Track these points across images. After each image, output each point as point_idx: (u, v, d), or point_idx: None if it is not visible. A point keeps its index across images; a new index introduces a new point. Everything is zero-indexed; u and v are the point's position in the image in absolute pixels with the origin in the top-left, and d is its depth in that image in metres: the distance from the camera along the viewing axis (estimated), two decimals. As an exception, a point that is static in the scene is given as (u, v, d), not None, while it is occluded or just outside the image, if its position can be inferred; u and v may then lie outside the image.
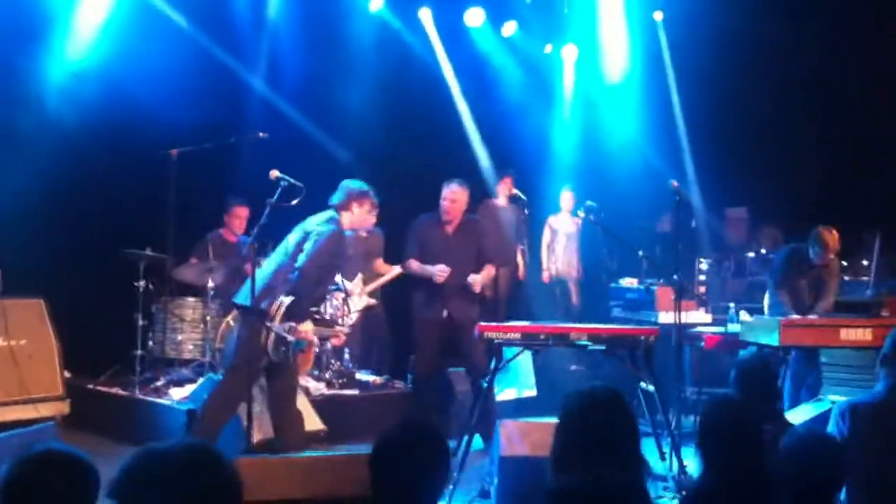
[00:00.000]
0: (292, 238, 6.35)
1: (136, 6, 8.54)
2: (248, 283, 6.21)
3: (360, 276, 8.43)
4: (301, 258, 6.12)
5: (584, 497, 2.52)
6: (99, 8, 8.41)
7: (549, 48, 11.42)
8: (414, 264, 7.59)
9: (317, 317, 6.42)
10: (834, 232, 7.67)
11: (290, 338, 6.04)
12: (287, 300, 6.04)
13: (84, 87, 8.21)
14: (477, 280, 7.46)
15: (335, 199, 6.36)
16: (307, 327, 6.19)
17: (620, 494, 2.56)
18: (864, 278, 8.99)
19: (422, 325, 7.52)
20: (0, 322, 6.80)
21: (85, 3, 8.35)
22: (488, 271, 7.64)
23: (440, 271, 7.34)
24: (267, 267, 6.36)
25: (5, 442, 5.03)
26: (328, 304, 8.23)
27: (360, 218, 6.49)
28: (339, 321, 8.24)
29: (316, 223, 6.25)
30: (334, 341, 7.51)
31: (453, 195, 7.45)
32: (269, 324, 5.97)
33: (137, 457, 2.36)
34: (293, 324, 6.06)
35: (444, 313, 7.37)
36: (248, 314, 6.21)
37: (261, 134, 7.89)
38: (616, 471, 2.85)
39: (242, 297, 6.30)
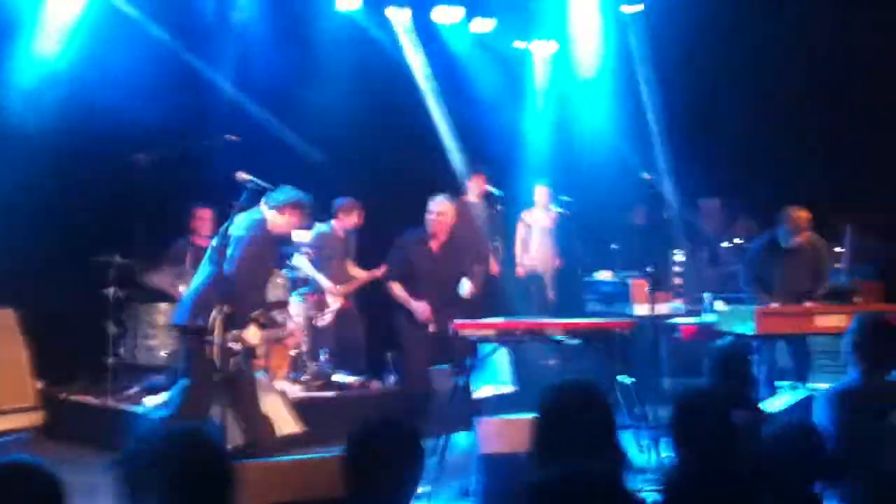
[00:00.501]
0: (214, 242, 6.12)
1: (103, 9, 8.46)
2: (183, 300, 6.10)
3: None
4: (227, 263, 5.87)
5: (564, 491, 2.50)
6: (66, 11, 8.32)
7: (521, 44, 11.40)
8: (396, 288, 7.55)
9: (262, 321, 6.15)
10: (801, 211, 7.66)
11: (237, 346, 5.90)
12: (224, 309, 5.80)
13: (50, 91, 8.12)
14: (468, 287, 7.46)
15: (272, 199, 6.13)
16: (252, 333, 5.97)
17: (599, 486, 2.55)
18: (838, 265, 9.02)
19: (409, 339, 7.50)
20: (-31, 333, 6.67)
21: (52, 6, 8.25)
22: (476, 276, 7.64)
23: (422, 312, 7.33)
24: (195, 280, 6.20)
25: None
26: (304, 304, 8.21)
27: (284, 226, 6.26)
28: (315, 321, 8.21)
29: (241, 226, 6.02)
30: (289, 342, 7.40)
31: (440, 208, 7.41)
32: (208, 338, 5.77)
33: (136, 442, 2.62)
34: (236, 331, 5.88)
35: (431, 328, 7.35)
36: (187, 334, 6.07)
37: (231, 137, 7.81)
38: (594, 463, 2.85)
39: (178, 316, 6.17)
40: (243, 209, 6.06)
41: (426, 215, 7.46)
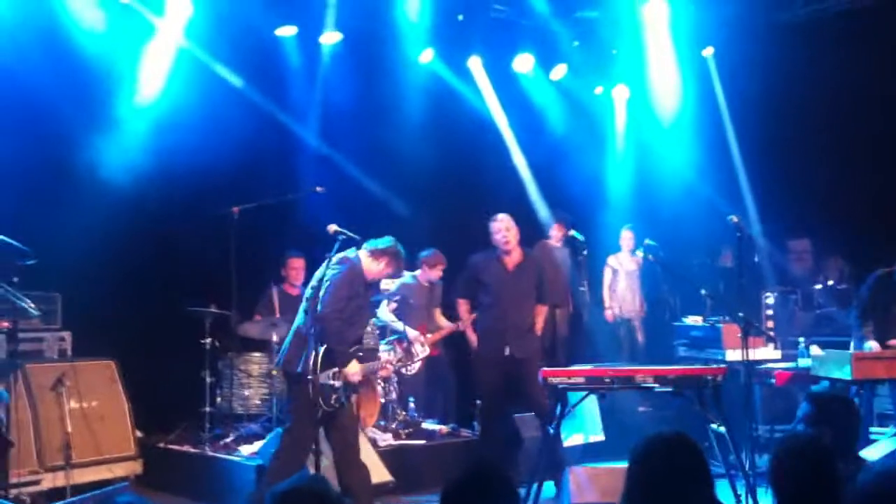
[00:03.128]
0: (308, 290, 6.32)
1: (193, 69, 8.73)
2: (283, 346, 6.28)
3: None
4: (320, 304, 6.06)
5: None
6: (157, 71, 8.61)
7: (599, 90, 11.44)
8: (462, 306, 7.85)
9: (360, 354, 6.36)
10: None
11: (337, 383, 6.05)
12: (321, 350, 5.99)
13: (144, 146, 8.39)
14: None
15: (372, 244, 6.33)
16: (353, 367, 6.16)
17: None
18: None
19: (483, 361, 7.53)
20: (73, 384, 6.89)
21: (143, 67, 8.55)
22: (542, 313, 7.64)
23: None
24: (294, 325, 6.37)
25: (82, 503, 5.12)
26: (391, 353, 8.28)
27: (378, 271, 6.38)
28: (404, 369, 8.28)
29: (328, 267, 6.19)
30: (382, 373, 7.43)
31: (504, 224, 7.46)
32: (310, 377, 5.94)
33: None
34: (336, 370, 6.07)
35: (506, 351, 7.36)
36: (289, 377, 6.26)
37: (318, 188, 8.02)
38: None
39: (279, 360, 6.38)
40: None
41: (494, 236, 7.48)
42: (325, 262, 6.19)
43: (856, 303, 7.91)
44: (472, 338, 8.04)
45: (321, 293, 6.09)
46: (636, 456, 3.28)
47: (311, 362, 5.96)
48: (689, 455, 3.24)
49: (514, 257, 7.52)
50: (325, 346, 6.02)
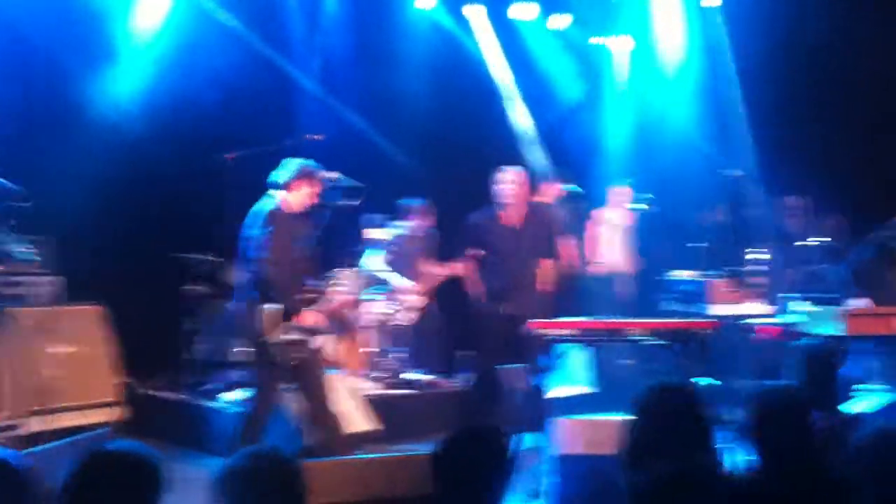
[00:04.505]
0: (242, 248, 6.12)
1: (190, 11, 8.63)
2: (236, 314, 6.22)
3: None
4: (252, 264, 5.90)
5: (671, 490, 2.55)
6: (154, 14, 8.49)
7: (600, 40, 11.27)
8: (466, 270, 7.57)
9: (311, 297, 6.09)
10: None
11: (296, 336, 5.90)
12: (267, 308, 5.84)
13: (136, 90, 8.31)
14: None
15: (279, 177, 6.05)
16: (308, 316, 5.96)
17: (705, 481, 2.61)
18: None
19: (480, 320, 7.42)
20: (58, 328, 6.86)
21: (140, 10, 8.43)
22: (551, 269, 7.49)
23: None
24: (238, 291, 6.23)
25: (62, 448, 5.10)
26: (381, 302, 8.21)
27: (305, 197, 6.07)
28: (395, 318, 8.20)
29: (249, 225, 6.01)
30: (338, 304, 7.23)
31: (511, 176, 7.24)
32: (263, 339, 5.84)
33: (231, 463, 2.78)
34: (290, 322, 5.90)
35: (501, 308, 7.25)
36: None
37: (316, 136, 7.91)
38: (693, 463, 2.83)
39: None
40: (335, 209, 6.07)
41: (499, 188, 7.25)
42: (327, 210, 6.12)
43: (846, 266, 7.82)
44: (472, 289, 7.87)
45: (251, 255, 5.90)
46: (640, 406, 3.26)
47: (261, 324, 5.83)
48: (693, 405, 3.23)
49: (518, 214, 7.32)
50: (270, 304, 5.83)
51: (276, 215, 5.93)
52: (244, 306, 6.01)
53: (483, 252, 7.50)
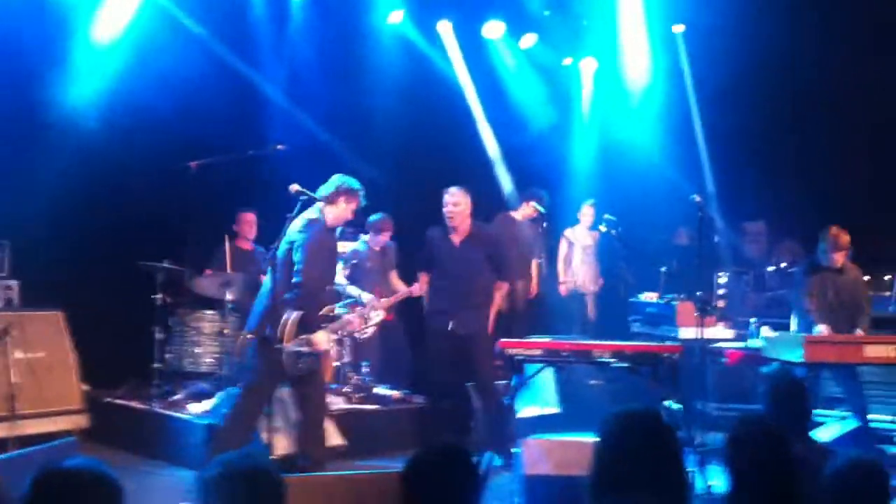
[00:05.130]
0: (277, 253, 6.21)
1: (155, 17, 8.52)
2: (254, 309, 6.22)
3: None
4: (297, 273, 6.03)
5: None
6: (118, 18, 8.38)
7: (568, 61, 11.39)
8: (421, 280, 7.69)
9: (326, 324, 6.30)
10: (842, 231, 7.59)
11: (305, 349, 6.03)
12: (295, 315, 6.00)
13: (101, 96, 8.20)
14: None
15: (324, 191, 6.24)
16: (321, 337, 6.12)
17: None
18: (887, 293, 8.90)
19: (431, 334, 7.47)
20: (19, 335, 6.75)
21: (103, 14, 8.31)
22: (502, 289, 7.56)
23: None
24: (262, 289, 6.32)
25: (27, 457, 4.99)
26: (347, 316, 8.20)
27: (344, 214, 6.31)
28: (357, 334, 8.21)
29: (297, 230, 6.14)
30: (350, 327, 7.36)
31: (453, 198, 7.32)
32: (278, 346, 5.93)
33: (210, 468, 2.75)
34: (306, 336, 6.04)
35: (449, 325, 7.29)
36: (258, 339, 6.19)
37: (279, 146, 7.88)
38: (661, 495, 2.82)
39: (249, 324, 6.33)
40: (291, 221, 6.12)
41: (444, 209, 7.35)
42: (287, 222, 6.11)
43: (793, 290, 8.00)
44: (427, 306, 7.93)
45: (296, 258, 6.05)
46: (606, 432, 3.23)
47: (282, 328, 5.96)
48: (662, 432, 3.21)
49: (460, 231, 7.39)
50: (301, 312, 6.00)
51: (318, 227, 6.14)
52: (266, 307, 6.11)
53: (429, 271, 7.62)
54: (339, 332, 6.79)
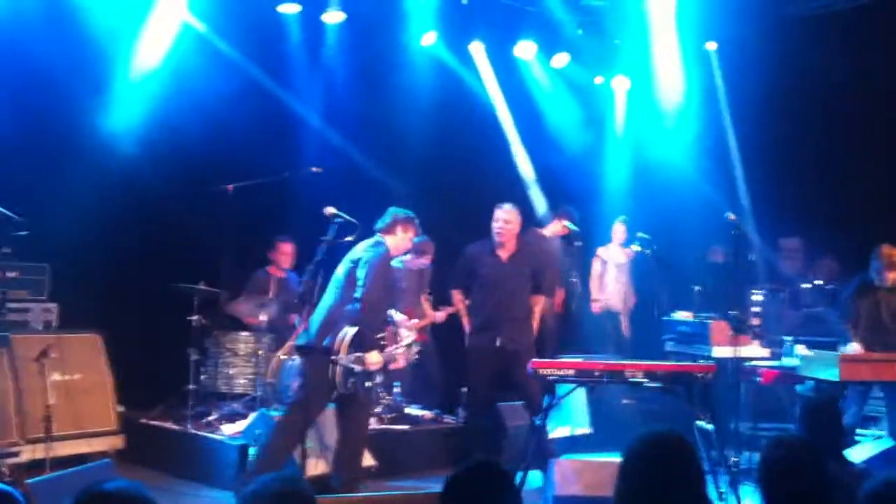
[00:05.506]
0: (341, 270, 6.39)
1: (192, 43, 8.65)
2: (311, 323, 6.29)
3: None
4: (359, 288, 6.18)
5: None
6: (157, 45, 8.52)
7: (600, 80, 11.39)
8: (456, 297, 7.79)
9: (383, 343, 6.51)
10: (894, 249, 7.48)
11: (358, 368, 6.08)
12: (351, 331, 6.13)
13: (141, 123, 8.32)
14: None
15: (381, 223, 6.49)
16: (374, 357, 6.23)
17: None
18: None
19: (474, 352, 7.48)
20: (57, 356, 6.81)
21: (144, 40, 8.46)
22: (539, 303, 7.59)
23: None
24: (322, 303, 6.40)
25: (64, 479, 5.07)
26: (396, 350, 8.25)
27: (403, 243, 6.58)
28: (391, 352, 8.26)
29: (363, 250, 6.32)
30: (393, 365, 7.46)
31: (506, 215, 7.41)
32: (334, 357, 6.04)
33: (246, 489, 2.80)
34: (360, 354, 6.13)
35: (497, 342, 7.31)
36: (312, 353, 6.24)
37: (314, 169, 7.96)
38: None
39: (303, 337, 6.36)
40: (331, 245, 6.19)
41: (493, 224, 7.44)
42: (321, 245, 6.19)
43: (841, 306, 7.90)
44: (467, 324, 7.94)
45: (360, 274, 6.20)
46: (630, 454, 3.25)
47: (340, 341, 6.09)
48: (684, 455, 3.22)
49: (508, 248, 7.45)
50: (357, 328, 6.13)
51: (385, 255, 6.36)
52: (323, 319, 6.25)
53: (466, 288, 7.71)
54: (390, 362, 6.86)
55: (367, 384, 6.28)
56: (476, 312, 7.61)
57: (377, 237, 6.44)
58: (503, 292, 7.38)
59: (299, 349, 6.63)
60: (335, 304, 6.29)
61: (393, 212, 6.56)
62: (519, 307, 7.42)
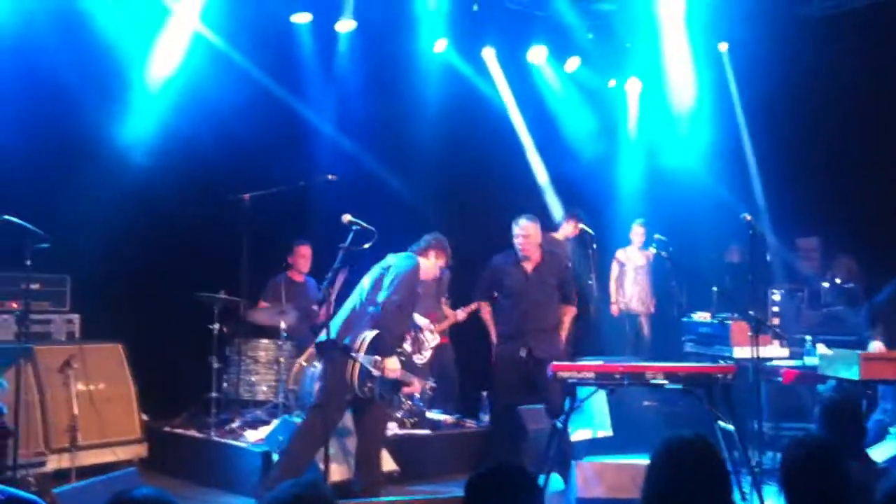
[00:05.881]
0: (367, 279, 6.48)
1: (207, 54, 8.72)
2: (333, 322, 6.33)
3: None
4: (382, 293, 6.26)
5: None
6: (171, 55, 8.59)
7: (612, 83, 11.41)
8: (485, 310, 7.87)
9: (403, 359, 6.50)
10: None
11: (376, 372, 6.13)
12: (370, 334, 6.19)
13: (157, 134, 8.39)
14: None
15: (416, 245, 6.65)
16: (394, 364, 6.27)
17: None
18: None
19: (501, 361, 7.53)
20: (80, 366, 6.89)
21: (158, 50, 8.53)
22: (569, 313, 7.64)
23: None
24: (346, 305, 6.49)
25: (90, 488, 5.12)
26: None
27: (433, 269, 6.74)
28: (415, 357, 8.29)
29: (396, 259, 6.45)
30: (407, 389, 7.56)
31: (524, 230, 7.46)
32: (354, 354, 6.10)
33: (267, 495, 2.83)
34: (378, 357, 6.16)
35: (523, 352, 7.35)
36: (331, 350, 6.27)
37: (330, 176, 7.99)
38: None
39: (324, 337, 6.40)
40: (348, 252, 6.22)
41: (514, 240, 7.50)
42: (339, 252, 6.22)
43: (868, 306, 7.86)
44: (494, 335, 7.93)
45: (387, 282, 6.31)
46: (656, 459, 3.27)
47: (360, 342, 6.18)
48: (710, 459, 3.24)
49: (532, 260, 7.51)
50: (375, 332, 6.20)
51: (416, 272, 6.49)
52: (347, 319, 6.37)
53: (494, 296, 7.75)
54: (405, 382, 6.91)
55: (384, 395, 6.32)
56: (503, 322, 7.66)
57: (412, 256, 6.58)
58: (529, 303, 7.44)
59: (319, 346, 6.68)
60: (358, 307, 6.38)
61: (430, 237, 6.73)
62: (545, 317, 7.48)
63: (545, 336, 7.42)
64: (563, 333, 7.67)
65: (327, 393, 6.27)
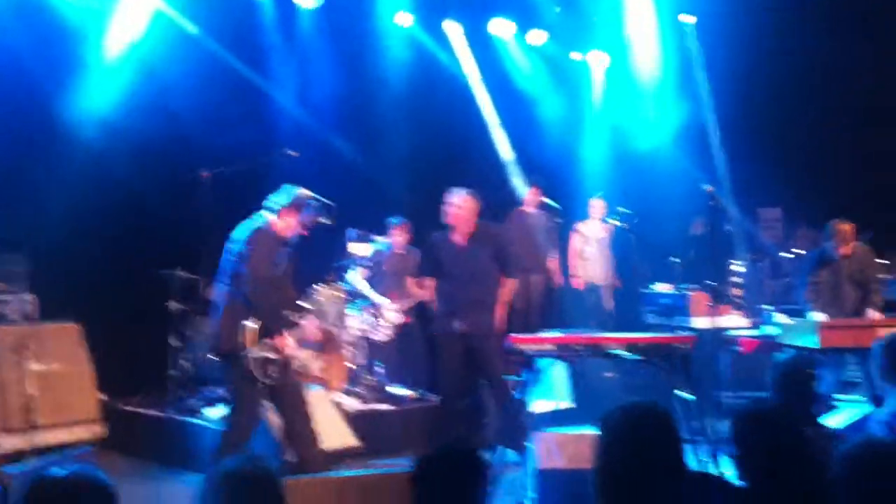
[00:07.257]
0: (222, 263, 6.17)
1: (165, 29, 8.60)
2: (212, 328, 6.17)
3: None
4: (241, 282, 5.94)
5: None
6: (129, 30, 8.47)
7: (577, 55, 11.37)
8: (427, 283, 7.52)
9: (291, 320, 6.18)
10: (845, 223, 7.64)
11: (273, 356, 5.93)
12: (251, 325, 5.90)
13: (114, 107, 8.28)
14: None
15: (273, 203, 6.18)
16: (285, 340, 5.99)
17: None
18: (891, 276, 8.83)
19: (439, 338, 7.40)
20: (36, 347, 6.80)
21: (115, 26, 8.41)
22: (507, 286, 7.48)
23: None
24: (214, 302, 6.23)
25: (45, 468, 5.06)
26: (360, 318, 8.24)
27: (288, 228, 6.19)
28: (375, 336, 8.24)
29: (238, 240, 6.06)
30: (310, 335, 7.20)
31: (457, 201, 7.21)
32: (243, 353, 5.86)
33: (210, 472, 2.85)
34: (269, 341, 5.93)
35: (456, 326, 7.25)
36: (224, 357, 6.10)
37: (291, 152, 7.90)
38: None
39: (212, 345, 6.28)
40: (308, 227, 6.11)
41: (444, 209, 7.27)
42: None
43: (799, 284, 8.03)
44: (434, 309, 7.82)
45: (233, 256, 5.98)
46: (607, 426, 3.24)
47: (242, 339, 5.87)
48: (662, 425, 3.21)
49: (462, 232, 7.29)
50: (254, 320, 5.89)
51: (260, 233, 6.01)
52: (220, 320, 6.04)
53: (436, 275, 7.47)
54: (304, 338, 6.63)
55: (288, 369, 6.06)
56: (439, 298, 7.44)
57: (256, 217, 6.14)
58: (463, 277, 7.21)
59: (212, 355, 6.50)
60: (226, 301, 6.03)
61: (286, 194, 6.22)
62: (478, 291, 7.22)
63: (480, 311, 7.17)
64: (500, 306, 7.43)
65: (237, 397, 6.05)
